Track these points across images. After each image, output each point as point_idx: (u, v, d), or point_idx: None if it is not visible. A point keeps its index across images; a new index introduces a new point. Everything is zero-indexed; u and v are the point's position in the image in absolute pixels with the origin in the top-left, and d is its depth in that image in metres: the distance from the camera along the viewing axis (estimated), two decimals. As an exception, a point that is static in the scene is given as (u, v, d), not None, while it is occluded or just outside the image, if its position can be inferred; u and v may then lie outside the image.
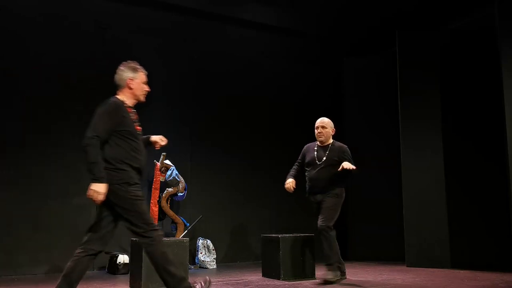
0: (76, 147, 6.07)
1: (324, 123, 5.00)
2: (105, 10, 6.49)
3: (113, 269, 5.62)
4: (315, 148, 5.03)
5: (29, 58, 5.97)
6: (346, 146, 4.97)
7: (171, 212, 6.19)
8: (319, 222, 4.76)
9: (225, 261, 6.77)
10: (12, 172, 5.72)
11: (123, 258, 5.61)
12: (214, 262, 6.35)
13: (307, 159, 5.05)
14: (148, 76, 5.54)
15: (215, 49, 7.29)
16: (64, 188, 5.97)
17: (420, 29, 6.52)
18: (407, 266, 5.94)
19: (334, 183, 4.87)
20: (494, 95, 5.75)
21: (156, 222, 6.12)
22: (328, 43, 8.26)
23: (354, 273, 5.48)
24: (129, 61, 3.60)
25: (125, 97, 3.52)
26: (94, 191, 3.11)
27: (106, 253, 5.89)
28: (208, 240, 6.44)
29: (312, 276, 5.01)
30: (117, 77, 3.57)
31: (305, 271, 5.02)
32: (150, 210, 6.10)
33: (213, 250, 6.40)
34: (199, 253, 6.36)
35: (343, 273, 4.90)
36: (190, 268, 5.06)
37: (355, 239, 7.33)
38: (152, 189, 6.16)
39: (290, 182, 5.00)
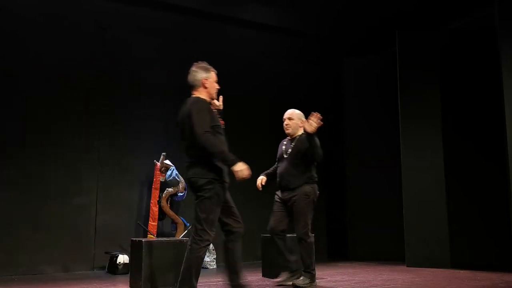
0: (76, 147, 6.15)
1: (289, 114, 4.74)
2: (105, 10, 6.49)
3: (113, 269, 5.62)
4: (284, 142, 4.76)
5: (29, 58, 5.98)
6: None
7: (171, 212, 6.19)
8: (296, 231, 4.42)
9: (225, 261, 6.76)
10: (12, 172, 5.72)
11: (123, 258, 5.61)
12: (214, 262, 6.35)
13: (277, 154, 4.78)
14: (148, 76, 5.63)
15: (215, 49, 7.28)
16: (64, 188, 5.97)
17: (420, 29, 6.53)
18: (407, 266, 5.94)
19: (301, 179, 4.46)
20: (494, 95, 5.75)
21: (156, 222, 6.13)
22: (328, 43, 8.26)
23: (354, 273, 5.48)
24: (199, 62, 3.75)
25: (202, 96, 3.63)
26: (239, 171, 3.32)
27: (106, 253, 5.90)
28: None
29: (312, 276, 4.99)
30: (191, 77, 3.71)
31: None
32: (150, 210, 6.11)
33: (213, 250, 6.39)
34: None
35: (313, 279, 4.43)
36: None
37: (355, 239, 7.32)
38: (152, 189, 6.17)
39: (259, 179, 4.71)
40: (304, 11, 7.67)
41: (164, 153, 6.22)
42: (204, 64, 3.75)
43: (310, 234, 4.42)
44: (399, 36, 6.38)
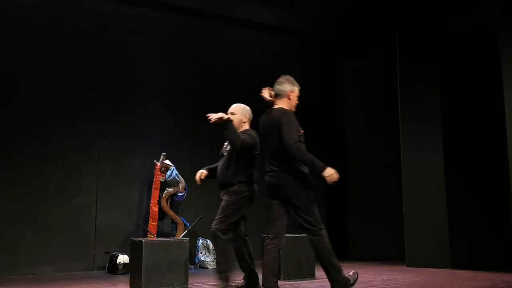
0: (76, 147, 6.15)
1: (233, 109, 4.38)
2: (105, 10, 6.49)
3: (113, 269, 5.62)
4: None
5: (29, 58, 5.98)
6: (254, 131, 4.21)
7: (171, 212, 6.19)
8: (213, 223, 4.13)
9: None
10: (12, 172, 5.73)
11: (123, 258, 5.61)
12: (214, 262, 6.34)
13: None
14: (148, 76, 5.60)
15: (215, 49, 7.29)
16: (64, 188, 5.98)
17: (420, 29, 6.53)
18: (407, 266, 5.93)
19: (234, 177, 4.12)
20: (494, 95, 5.75)
21: (156, 222, 6.13)
22: (328, 43, 8.26)
23: (354, 273, 5.47)
24: (286, 75, 3.99)
25: (284, 106, 3.84)
26: (329, 176, 3.55)
27: (106, 253, 5.90)
28: (208, 240, 6.43)
29: (311, 276, 5.00)
30: (278, 87, 3.92)
31: (304, 271, 5.01)
32: (150, 210, 6.11)
33: (213, 250, 6.39)
34: (199, 253, 6.36)
35: (252, 285, 4.12)
36: (189, 268, 5.05)
37: (355, 239, 7.33)
38: (152, 189, 6.17)
39: (199, 173, 4.42)
40: (304, 11, 7.67)
41: (164, 153, 6.22)
42: (291, 78, 3.96)
43: (225, 232, 4.03)
44: (399, 36, 6.38)
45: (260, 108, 8.08)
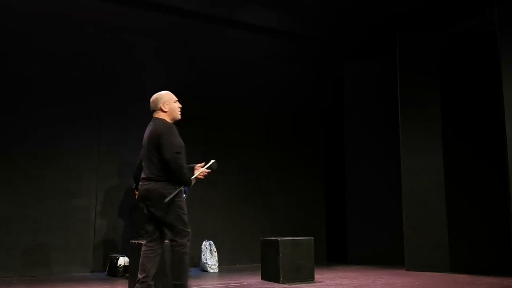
0: (76, 149, 6.15)
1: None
2: (105, 12, 6.50)
3: (114, 271, 5.62)
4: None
5: (29, 59, 6.00)
6: None
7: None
8: None
9: (225, 264, 6.76)
10: (11, 173, 5.73)
11: (123, 261, 5.60)
12: (216, 266, 6.31)
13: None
14: (148, 78, 5.58)
15: (215, 52, 7.31)
16: (64, 189, 5.98)
17: (420, 32, 6.54)
18: (406, 270, 5.93)
19: None
20: (494, 99, 5.76)
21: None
22: (329, 47, 8.27)
23: (354, 276, 5.47)
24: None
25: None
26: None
27: (106, 255, 5.90)
28: (210, 242, 6.42)
29: (311, 279, 5.00)
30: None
31: (304, 274, 5.01)
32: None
33: (215, 252, 6.39)
34: (202, 255, 6.34)
35: None
36: (189, 271, 5.05)
37: (354, 242, 7.32)
38: (152, 191, 6.16)
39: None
40: (304, 14, 7.68)
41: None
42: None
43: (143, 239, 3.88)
44: (400, 39, 6.40)
45: (260, 110, 8.07)
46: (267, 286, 4.73)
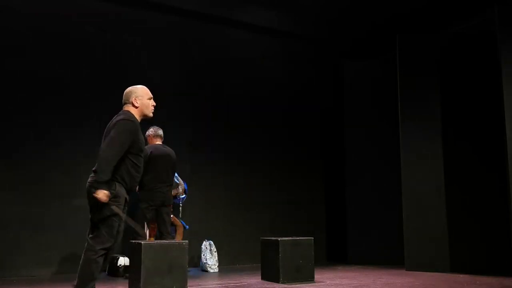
0: (76, 148, 6.15)
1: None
2: (105, 12, 6.52)
3: (114, 271, 5.62)
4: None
5: (29, 59, 6.00)
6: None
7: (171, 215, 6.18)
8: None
9: (225, 264, 6.76)
10: (12, 173, 5.74)
11: (123, 261, 5.61)
12: (216, 266, 6.31)
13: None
14: (148, 78, 5.57)
15: (215, 51, 7.32)
16: (64, 189, 5.98)
17: (420, 32, 6.54)
18: (406, 270, 5.93)
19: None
20: (494, 99, 5.76)
21: (155, 224, 6.12)
22: (328, 47, 8.28)
23: (354, 276, 5.47)
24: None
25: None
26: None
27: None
28: (210, 242, 6.42)
29: (311, 279, 5.00)
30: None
31: (304, 274, 5.01)
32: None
33: (215, 252, 6.38)
34: (202, 255, 6.34)
35: None
36: (189, 271, 5.05)
37: (355, 242, 7.32)
38: (152, 191, 6.16)
39: None
40: (304, 14, 7.69)
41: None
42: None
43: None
44: (400, 39, 6.40)
45: (259, 110, 8.06)
46: (267, 286, 4.73)
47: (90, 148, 6.24)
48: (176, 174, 6.20)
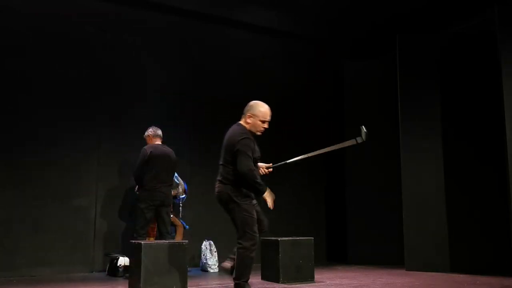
0: (76, 148, 6.15)
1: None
2: (105, 12, 6.52)
3: (114, 271, 5.62)
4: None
5: (29, 59, 6.00)
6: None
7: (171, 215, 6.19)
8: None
9: (225, 264, 6.75)
10: (12, 173, 5.73)
11: (123, 261, 5.60)
12: (216, 266, 6.31)
13: (256, 154, 4.43)
14: (148, 78, 5.58)
15: (215, 51, 7.31)
16: (64, 189, 5.98)
17: (420, 32, 6.54)
18: (406, 270, 5.93)
19: None
20: (494, 99, 5.76)
21: (155, 224, 6.13)
22: (328, 47, 8.28)
23: (353, 276, 5.47)
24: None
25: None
26: None
27: (106, 255, 5.90)
28: (210, 242, 6.42)
29: (311, 279, 5.00)
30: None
31: (304, 274, 5.01)
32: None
33: (215, 252, 6.38)
34: (202, 255, 6.34)
35: None
36: (189, 271, 5.05)
37: (354, 242, 7.32)
38: (152, 191, 6.16)
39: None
40: (304, 14, 7.70)
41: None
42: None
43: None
44: (400, 39, 6.40)
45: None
46: (267, 286, 4.73)
47: (90, 148, 6.26)
48: (176, 174, 6.21)
